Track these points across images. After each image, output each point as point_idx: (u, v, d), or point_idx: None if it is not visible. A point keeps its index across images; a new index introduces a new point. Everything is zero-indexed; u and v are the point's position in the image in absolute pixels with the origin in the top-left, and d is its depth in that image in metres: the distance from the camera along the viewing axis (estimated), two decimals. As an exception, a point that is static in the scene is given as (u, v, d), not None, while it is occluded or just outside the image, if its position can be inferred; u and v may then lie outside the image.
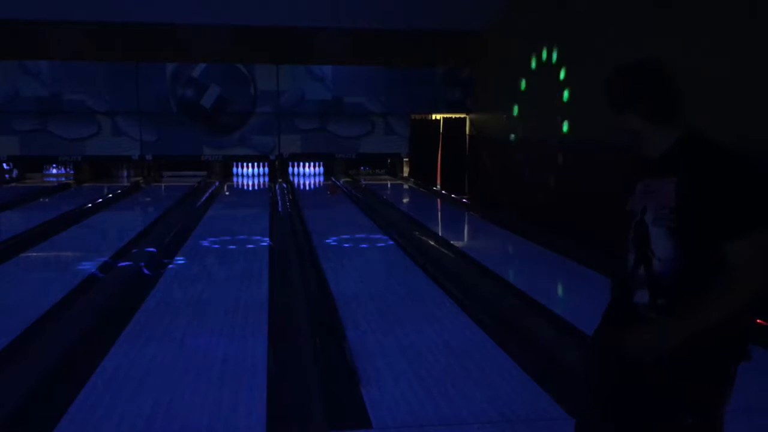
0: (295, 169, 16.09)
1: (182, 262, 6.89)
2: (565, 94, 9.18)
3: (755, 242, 1.79)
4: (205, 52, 14.33)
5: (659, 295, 1.93)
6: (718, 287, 1.83)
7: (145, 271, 6.32)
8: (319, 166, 16.18)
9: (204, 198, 12.14)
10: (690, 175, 1.85)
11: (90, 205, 10.92)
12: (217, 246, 7.73)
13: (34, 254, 7.29)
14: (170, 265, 6.68)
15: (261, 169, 15.82)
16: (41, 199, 12.27)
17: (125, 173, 15.64)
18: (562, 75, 9.32)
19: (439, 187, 14.91)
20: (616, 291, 2.12)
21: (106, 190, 13.47)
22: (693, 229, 1.85)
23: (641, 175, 2.04)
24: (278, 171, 15.52)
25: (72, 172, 15.31)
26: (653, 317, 1.91)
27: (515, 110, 11.44)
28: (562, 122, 9.26)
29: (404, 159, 15.92)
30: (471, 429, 3.17)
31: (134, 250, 7.24)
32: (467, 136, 15.04)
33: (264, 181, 15.29)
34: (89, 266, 6.51)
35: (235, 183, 15.29)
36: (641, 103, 1.97)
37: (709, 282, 1.84)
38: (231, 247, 7.73)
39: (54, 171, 15.68)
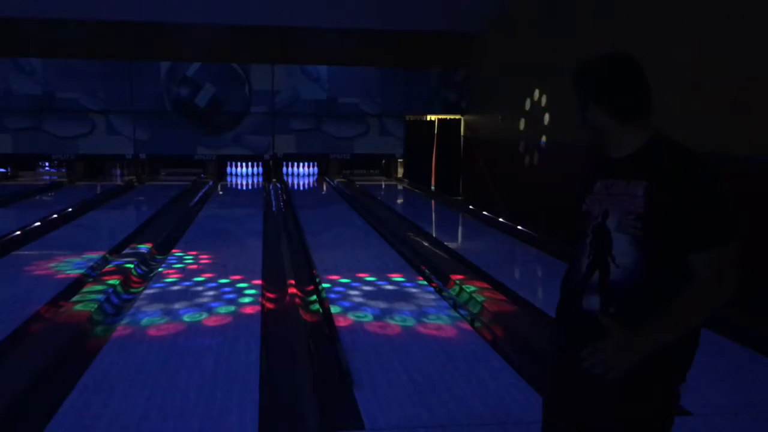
0: (290, 169, 16.06)
1: (175, 261, 6.87)
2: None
3: (725, 255, 1.73)
4: (200, 51, 14.30)
5: (612, 303, 1.81)
6: (684, 299, 1.74)
7: (138, 270, 6.29)
8: (313, 166, 16.15)
9: (198, 197, 12.10)
10: (663, 182, 1.75)
11: (83, 203, 10.87)
12: (210, 245, 7.70)
13: (26, 252, 7.26)
14: (163, 265, 6.66)
15: (255, 168, 15.79)
16: (34, 198, 12.22)
17: (118, 172, 15.58)
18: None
19: (433, 188, 14.90)
20: (565, 294, 2.01)
21: (99, 189, 13.42)
22: (659, 237, 1.76)
23: (601, 174, 1.93)
24: (272, 171, 15.49)
25: (64, 171, 15.25)
26: (611, 330, 1.74)
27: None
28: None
29: (399, 160, 15.91)
30: (463, 431, 3.17)
31: (127, 249, 7.20)
32: (462, 138, 15.05)
33: (258, 181, 15.26)
34: (81, 265, 6.48)
35: (229, 183, 15.26)
36: (609, 99, 1.85)
37: (667, 294, 1.75)
38: (224, 246, 7.71)
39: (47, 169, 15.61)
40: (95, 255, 6.94)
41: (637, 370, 1.75)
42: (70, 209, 10.12)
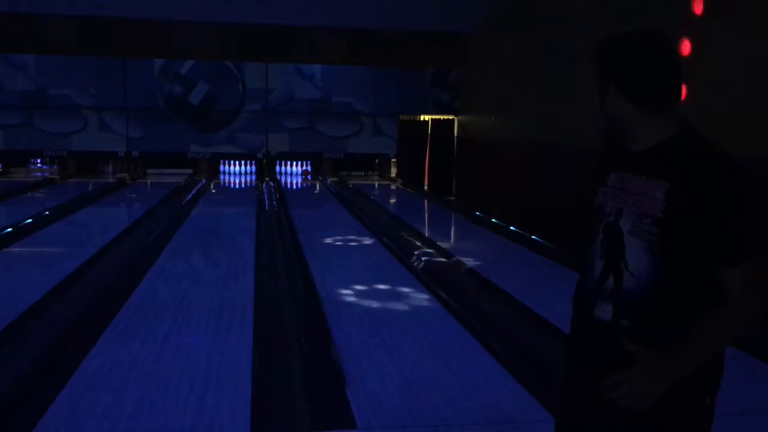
0: (283, 167, 16.05)
1: (167, 259, 6.85)
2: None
3: (758, 270, 1.54)
4: (194, 49, 14.27)
5: (624, 314, 1.65)
6: (715, 320, 1.56)
7: (130, 268, 6.27)
8: (306, 165, 16.14)
9: (190, 195, 12.08)
10: (687, 184, 1.56)
11: (75, 200, 10.84)
12: (203, 244, 7.69)
13: (18, 249, 7.23)
14: (155, 263, 6.64)
15: (248, 167, 15.77)
16: (26, 194, 12.17)
17: (111, 169, 15.53)
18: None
19: (426, 188, 14.92)
20: (578, 300, 1.83)
21: (91, 186, 13.37)
22: (680, 247, 1.58)
23: (616, 165, 1.74)
24: (265, 169, 15.47)
25: (56, 167, 15.18)
26: (642, 359, 1.59)
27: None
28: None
29: (392, 159, 15.92)
30: (455, 430, 3.18)
31: (119, 247, 7.19)
32: (455, 138, 15.07)
33: (251, 180, 15.24)
34: (73, 263, 6.45)
35: (222, 181, 15.23)
36: (633, 83, 1.61)
37: (684, 308, 1.61)
38: (217, 245, 7.70)
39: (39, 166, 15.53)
40: (87, 252, 6.91)
41: (665, 397, 1.60)
42: (61, 206, 10.09)
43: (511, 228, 8.88)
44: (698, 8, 6.08)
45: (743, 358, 4.15)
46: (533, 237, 8.18)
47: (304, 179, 13.35)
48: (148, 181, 14.78)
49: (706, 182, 1.55)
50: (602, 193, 1.74)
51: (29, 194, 12.26)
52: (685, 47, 5.97)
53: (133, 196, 12.92)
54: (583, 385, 1.77)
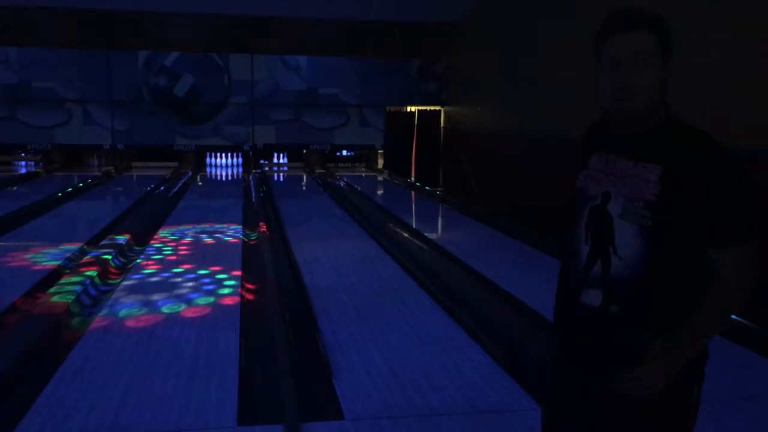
0: (271, 159, 16.04)
1: (153, 252, 6.82)
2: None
3: (746, 252, 1.58)
4: (179, 41, 14.16)
5: (614, 300, 1.64)
6: (708, 305, 1.58)
7: (116, 261, 6.24)
8: (286, 156, 16.16)
9: (177, 188, 12.01)
10: (682, 169, 1.56)
11: (60, 194, 10.76)
12: (189, 236, 7.66)
13: (2, 244, 7.17)
14: (141, 256, 6.61)
15: (234, 159, 15.71)
16: (9, 188, 12.06)
17: (96, 162, 15.41)
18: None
19: (413, 179, 14.92)
20: (563, 286, 1.81)
21: (76, 179, 13.27)
22: (672, 231, 1.58)
23: (598, 148, 1.73)
24: (252, 161, 15.42)
25: (41, 163, 15.05)
26: (652, 357, 1.59)
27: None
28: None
29: (379, 151, 15.90)
30: (442, 420, 3.19)
31: (105, 240, 7.14)
32: (442, 129, 15.07)
33: (237, 172, 15.18)
34: (58, 256, 6.42)
35: (208, 173, 15.16)
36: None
37: (674, 293, 1.61)
38: (203, 237, 7.67)
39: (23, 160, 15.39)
40: (72, 246, 6.87)
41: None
42: (46, 200, 10.01)
43: (498, 219, 8.90)
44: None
45: (727, 346, 4.19)
46: (520, 227, 8.20)
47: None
48: (134, 174, 14.69)
49: (702, 167, 1.56)
50: (584, 177, 1.73)
51: (14, 188, 12.16)
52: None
53: (119, 189, 12.84)
54: (571, 374, 1.77)
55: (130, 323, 4.56)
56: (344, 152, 16.52)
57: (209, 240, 7.55)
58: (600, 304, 1.65)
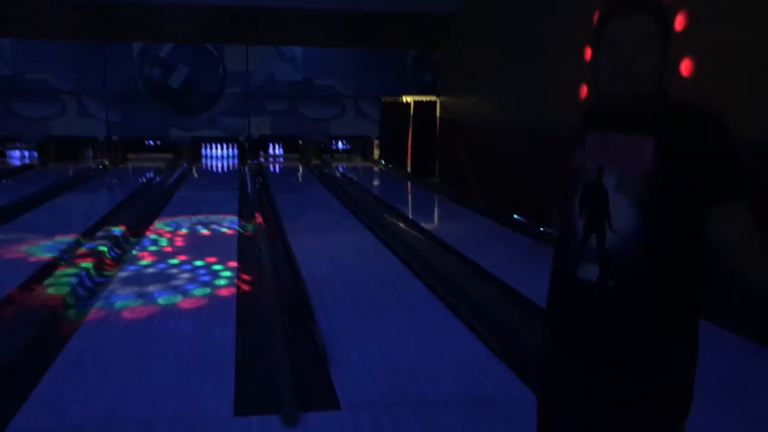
0: (267, 150, 16.02)
1: (149, 244, 6.81)
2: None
3: (743, 207, 1.55)
4: (173, 32, 14.10)
5: (610, 274, 1.63)
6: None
7: (112, 253, 6.23)
8: (282, 147, 16.15)
9: (172, 179, 11.99)
10: (676, 137, 1.56)
11: (55, 186, 10.73)
12: (185, 228, 7.65)
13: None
14: (137, 248, 6.60)
15: (230, 150, 15.68)
16: (4, 181, 12.03)
17: (91, 154, 15.37)
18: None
19: (409, 169, 14.91)
20: (559, 262, 1.79)
21: (71, 171, 13.24)
22: (666, 200, 1.57)
23: (594, 126, 1.72)
24: (248, 153, 15.39)
25: (36, 154, 15.00)
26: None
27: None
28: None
29: (375, 141, 15.89)
30: (438, 410, 3.20)
31: (100, 232, 7.13)
32: (438, 119, 15.05)
33: (233, 163, 15.16)
34: (54, 248, 6.40)
35: (203, 165, 15.13)
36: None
37: (671, 266, 1.59)
38: (199, 229, 7.66)
39: (17, 152, 15.32)
40: (68, 238, 6.86)
41: (653, 378, 1.64)
42: (41, 192, 9.99)
43: (495, 209, 8.90)
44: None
45: (718, 334, 4.21)
46: (516, 217, 8.21)
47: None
48: (129, 166, 14.65)
49: (694, 133, 1.56)
50: (580, 155, 1.72)
51: (8, 180, 12.12)
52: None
53: (114, 180, 12.81)
54: (568, 365, 1.76)
55: (126, 315, 4.56)
56: (340, 146, 16.52)
57: (205, 231, 7.54)
58: (597, 279, 1.64)
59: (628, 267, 1.61)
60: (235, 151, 15.61)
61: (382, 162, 15.34)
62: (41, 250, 6.38)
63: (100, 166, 13.98)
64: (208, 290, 5.18)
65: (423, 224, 8.28)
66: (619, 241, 1.61)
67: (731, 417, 3.18)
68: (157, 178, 12.36)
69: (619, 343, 1.65)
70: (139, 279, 5.49)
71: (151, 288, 5.21)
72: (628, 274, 1.61)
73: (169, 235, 7.24)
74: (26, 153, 15.05)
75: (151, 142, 15.45)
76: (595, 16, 1.70)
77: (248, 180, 11.89)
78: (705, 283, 1.66)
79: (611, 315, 1.65)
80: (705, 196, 1.56)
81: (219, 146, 15.64)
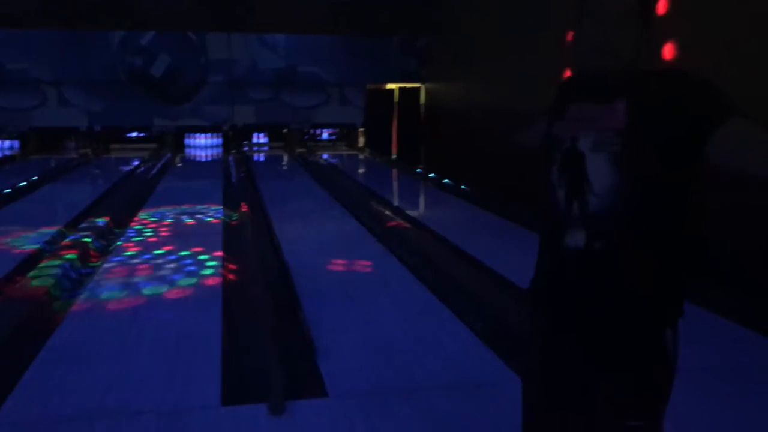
0: (251, 139, 15.94)
1: (134, 234, 6.77)
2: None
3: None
4: (154, 20, 13.96)
5: (597, 237, 1.63)
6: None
7: (96, 243, 6.19)
8: (266, 136, 16.08)
9: (156, 169, 11.92)
10: (647, 95, 1.57)
11: (38, 177, 10.63)
12: (169, 219, 7.61)
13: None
14: (122, 238, 6.56)
15: (214, 139, 15.59)
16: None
17: (73, 145, 15.22)
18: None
19: (395, 157, 14.90)
20: (545, 232, 1.79)
21: (53, 162, 13.12)
22: (641, 154, 1.56)
23: (574, 99, 1.73)
24: (232, 142, 15.31)
25: (17, 144, 14.84)
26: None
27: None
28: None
29: (360, 129, 15.85)
30: (425, 395, 3.21)
31: (84, 223, 7.08)
32: (422, 106, 15.03)
33: (217, 153, 15.07)
34: (37, 240, 6.35)
35: (187, 154, 15.04)
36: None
37: (654, 224, 1.59)
38: (184, 219, 7.62)
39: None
40: (51, 230, 6.80)
41: (637, 356, 1.63)
42: (23, 183, 9.89)
43: (481, 196, 8.92)
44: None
45: (703, 315, 4.25)
46: (502, 203, 8.23)
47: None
48: (112, 156, 14.54)
49: (665, 87, 1.57)
50: (558, 125, 1.74)
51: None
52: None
53: (97, 171, 12.71)
54: (558, 334, 1.76)
55: (111, 306, 4.53)
56: (324, 136, 16.48)
57: (190, 221, 7.50)
58: (584, 244, 1.65)
59: (613, 226, 1.62)
60: (219, 140, 15.52)
61: (368, 149, 15.32)
62: (25, 242, 6.32)
63: (83, 157, 13.87)
64: (194, 280, 5.16)
65: (409, 211, 8.29)
66: (600, 202, 1.62)
67: (715, 400, 3.22)
68: (141, 168, 12.27)
69: (608, 309, 1.65)
70: (124, 270, 5.46)
71: (137, 278, 5.18)
72: (613, 234, 1.62)
73: (153, 226, 7.20)
74: (7, 144, 14.88)
75: (135, 134, 15.36)
76: None
77: (232, 169, 11.84)
78: (692, 247, 1.67)
79: (601, 278, 1.65)
80: (679, 152, 1.54)
81: (203, 136, 15.55)
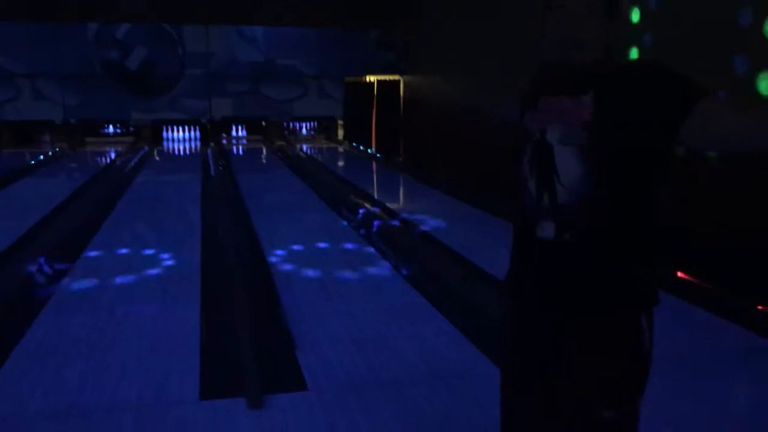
0: (230, 132, 15.84)
1: (111, 229, 6.70)
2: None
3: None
4: (129, 12, 13.79)
5: (566, 228, 1.64)
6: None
7: (72, 238, 6.12)
8: (245, 129, 16.01)
9: (133, 163, 11.80)
10: (615, 84, 1.59)
11: (12, 172, 10.48)
12: (147, 211, 7.54)
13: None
14: (98, 233, 6.49)
15: (192, 133, 15.47)
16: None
17: (48, 138, 15.00)
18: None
19: (374, 150, 14.88)
20: (518, 224, 1.80)
21: (28, 157, 12.94)
22: (609, 146, 1.58)
23: (545, 92, 1.73)
24: (210, 135, 15.20)
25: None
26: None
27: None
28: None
29: (339, 122, 15.80)
30: (404, 388, 3.21)
31: (60, 218, 6.99)
32: (401, 99, 15.01)
33: (195, 146, 14.96)
34: (11, 236, 6.25)
35: (165, 148, 14.91)
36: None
37: (623, 215, 1.61)
38: (162, 212, 7.56)
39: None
40: (27, 224, 6.70)
41: (619, 327, 1.65)
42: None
43: (460, 188, 8.93)
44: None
45: (678, 304, 4.30)
46: (481, 196, 8.24)
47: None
48: (88, 150, 14.37)
49: (633, 73, 1.60)
50: (528, 117, 1.74)
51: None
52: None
53: (73, 165, 12.56)
54: (532, 322, 1.76)
55: (87, 301, 4.48)
56: (303, 131, 16.42)
57: (168, 215, 7.45)
58: (554, 236, 1.66)
59: (581, 218, 1.63)
60: (197, 133, 15.40)
61: (347, 142, 15.28)
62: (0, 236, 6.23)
63: (58, 150, 13.70)
64: (171, 274, 5.11)
65: (388, 204, 8.28)
66: (568, 194, 1.63)
67: (689, 384, 3.26)
68: (118, 162, 12.15)
69: (580, 300, 1.66)
70: (100, 264, 5.40)
71: (113, 273, 5.12)
72: (582, 225, 1.64)
73: (131, 219, 7.14)
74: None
75: (111, 127, 15.20)
76: None
77: (211, 162, 11.76)
78: (658, 238, 1.68)
79: (570, 270, 1.66)
80: (645, 145, 1.57)
81: (180, 129, 15.42)
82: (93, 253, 5.74)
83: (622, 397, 1.68)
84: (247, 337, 3.72)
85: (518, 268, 1.82)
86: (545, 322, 1.73)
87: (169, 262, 5.44)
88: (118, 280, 4.96)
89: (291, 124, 16.17)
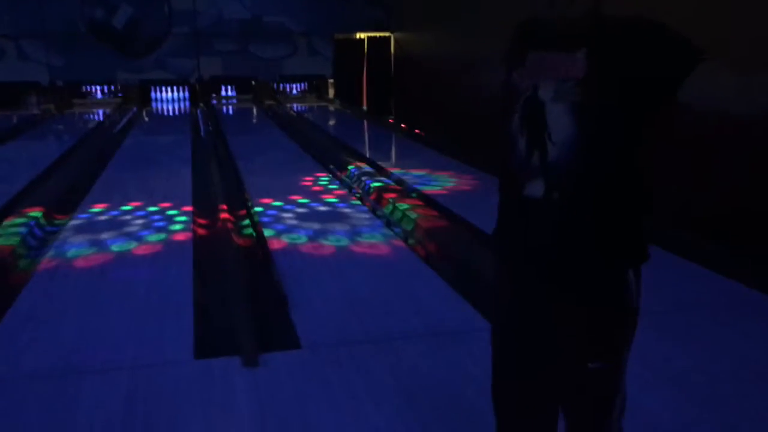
0: (218, 93, 15.66)
1: (101, 191, 6.66)
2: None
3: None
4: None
5: (555, 187, 1.62)
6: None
7: (62, 200, 6.07)
8: (234, 89, 15.81)
9: (121, 125, 11.68)
10: (608, 40, 1.56)
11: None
12: (137, 173, 7.49)
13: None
14: (88, 195, 6.44)
15: (181, 93, 15.28)
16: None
17: (35, 100, 14.80)
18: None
19: (365, 108, 14.76)
20: (505, 181, 1.77)
21: (15, 119, 12.78)
22: (602, 103, 1.56)
23: (534, 47, 1.69)
24: (199, 95, 15.03)
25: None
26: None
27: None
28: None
29: (329, 80, 15.63)
30: (397, 343, 3.23)
31: (49, 180, 6.94)
32: (392, 56, 14.83)
33: (184, 106, 14.80)
34: (0, 198, 6.21)
35: (153, 108, 14.74)
36: None
37: (613, 176, 1.60)
38: (152, 173, 7.51)
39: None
40: (14, 188, 6.65)
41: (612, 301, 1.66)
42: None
43: (451, 146, 8.89)
44: None
45: (667, 257, 4.32)
46: (472, 153, 8.21)
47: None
48: (76, 111, 14.19)
49: (628, 28, 1.56)
50: (518, 73, 1.70)
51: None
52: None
53: (60, 127, 12.42)
54: (520, 281, 1.76)
55: (79, 264, 4.47)
56: (294, 92, 16.23)
57: (158, 176, 7.39)
58: (542, 194, 1.63)
59: (570, 176, 1.61)
60: (186, 93, 15.22)
61: (337, 101, 15.14)
62: (-13, 200, 6.18)
63: (45, 112, 13.53)
64: (163, 236, 5.10)
65: (380, 162, 8.23)
66: (559, 151, 1.60)
67: (680, 339, 3.29)
68: (106, 123, 12.02)
69: (567, 257, 1.66)
70: (91, 226, 5.37)
71: (105, 235, 5.10)
72: (571, 184, 1.61)
73: (120, 182, 7.08)
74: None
75: (98, 88, 14.99)
76: None
77: (200, 123, 11.65)
78: (648, 197, 1.66)
79: (557, 228, 1.65)
80: (640, 104, 1.55)
81: (169, 89, 15.23)
82: (83, 216, 5.71)
83: (609, 350, 1.69)
84: (239, 296, 3.73)
85: (505, 225, 1.80)
86: (532, 277, 1.73)
87: (161, 223, 5.42)
88: (109, 242, 4.94)
89: (281, 86, 15.97)
